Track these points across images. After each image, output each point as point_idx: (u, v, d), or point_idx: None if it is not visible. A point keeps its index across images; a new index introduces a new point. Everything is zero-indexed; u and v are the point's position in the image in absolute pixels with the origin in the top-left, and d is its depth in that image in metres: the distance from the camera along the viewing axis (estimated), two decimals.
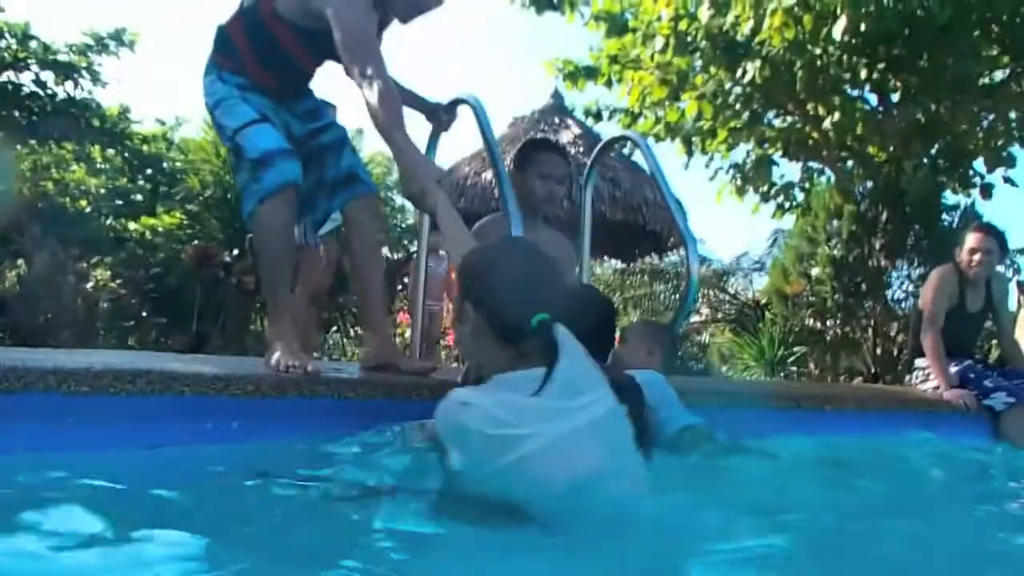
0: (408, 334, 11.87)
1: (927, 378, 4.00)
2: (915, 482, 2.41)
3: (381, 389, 2.33)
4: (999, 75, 8.50)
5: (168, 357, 2.56)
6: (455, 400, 1.56)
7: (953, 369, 3.89)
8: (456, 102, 2.90)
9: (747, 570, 1.31)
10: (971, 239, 3.99)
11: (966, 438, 3.35)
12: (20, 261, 9.80)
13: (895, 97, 8.76)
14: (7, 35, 10.86)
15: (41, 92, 11.45)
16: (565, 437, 1.50)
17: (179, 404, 1.94)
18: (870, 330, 8.47)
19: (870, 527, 1.64)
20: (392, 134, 2.31)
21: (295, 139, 2.71)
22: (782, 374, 8.55)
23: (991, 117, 9.01)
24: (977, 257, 3.93)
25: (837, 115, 8.33)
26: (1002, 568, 1.47)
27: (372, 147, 18.58)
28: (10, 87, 11.29)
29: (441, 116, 3.02)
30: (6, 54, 10.93)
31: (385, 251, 16.95)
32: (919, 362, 4.09)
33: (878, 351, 8.35)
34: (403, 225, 20.49)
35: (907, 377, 4.38)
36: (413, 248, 18.40)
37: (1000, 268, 4.47)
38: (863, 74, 8.27)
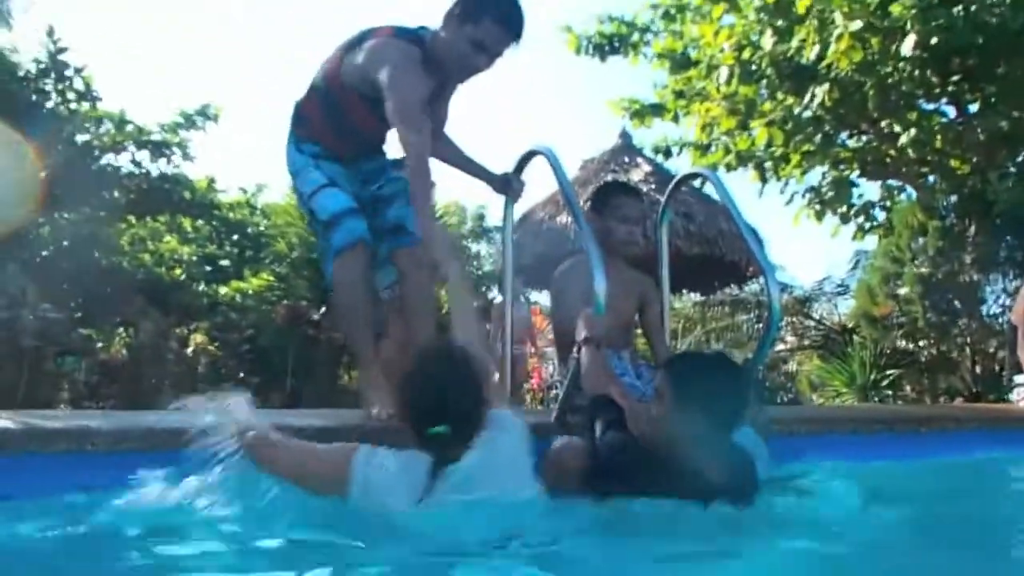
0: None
1: None
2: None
3: None
4: None
5: (278, 413, 2.71)
6: (379, 461, 1.84)
7: None
8: (530, 154, 3.03)
9: None
10: None
11: None
12: (122, 330, 10.42)
13: (973, 107, 8.53)
14: (106, 122, 11.64)
15: (137, 171, 12.16)
16: None
17: None
18: (967, 348, 8.18)
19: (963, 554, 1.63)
20: (418, 203, 2.56)
21: (362, 200, 2.87)
22: (876, 399, 8.30)
23: None
24: None
25: (913, 131, 8.16)
26: None
27: (446, 198, 19.06)
28: (110, 169, 12.06)
29: (511, 187, 3.16)
30: (106, 139, 11.70)
31: None
32: (1019, 378, 3.97)
33: (977, 369, 8.04)
34: (480, 271, 20.81)
35: (1009, 395, 4.24)
36: (491, 295, 18.66)
37: None
38: (937, 88, 8.11)
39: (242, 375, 8.81)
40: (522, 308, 6.59)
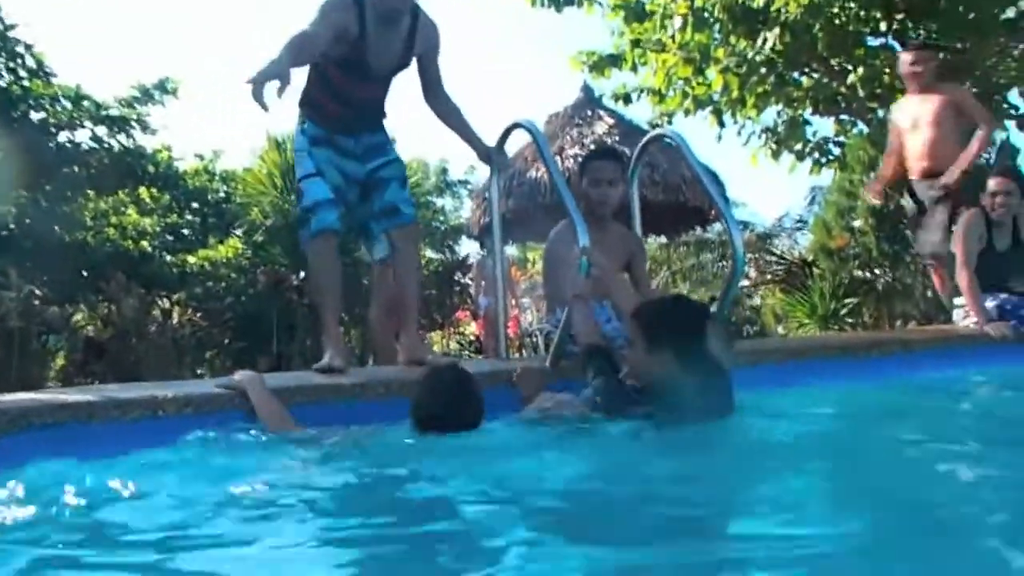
0: (469, 330, 12.37)
1: (968, 315, 4.28)
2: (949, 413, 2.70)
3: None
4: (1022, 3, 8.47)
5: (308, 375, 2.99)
6: None
7: (989, 304, 4.17)
8: (512, 127, 3.29)
9: None
10: (992, 183, 4.31)
11: (1010, 365, 3.61)
12: (103, 306, 10.48)
13: None
14: (62, 99, 11.51)
15: (97, 146, 12.08)
16: None
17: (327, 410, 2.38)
18: (919, 275, 8.62)
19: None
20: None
21: (356, 180, 3.28)
22: (836, 327, 8.75)
23: (1021, 47, 9.00)
24: (999, 200, 4.24)
25: (861, 69, 8.47)
26: None
27: (407, 155, 19.09)
28: (69, 145, 11.96)
29: (498, 159, 3.50)
30: (62, 116, 11.58)
31: (432, 253, 17.48)
32: (958, 301, 4.38)
33: (928, 294, 8.50)
34: (444, 227, 20.97)
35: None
36: (458, 247, 18.87)
37: None
38: (883, 25, 8.40)
39: (227, 342, 9.00)
40: (503, 262, 6.85)
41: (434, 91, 3.41)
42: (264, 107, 2.49)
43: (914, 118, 5.17)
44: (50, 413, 2.01)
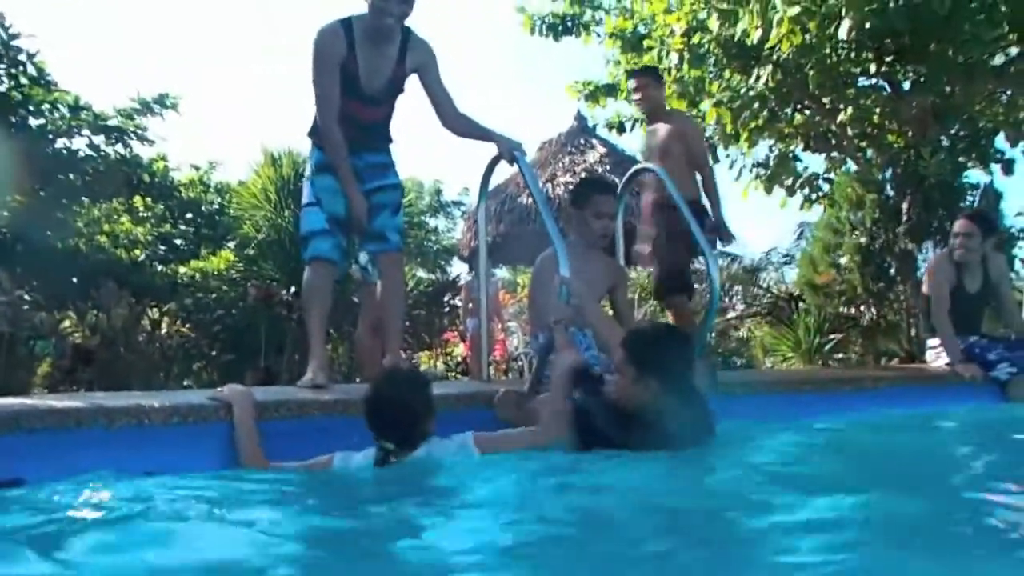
0: (457, 351, 12.41)
1: (939, 355, 4.38)
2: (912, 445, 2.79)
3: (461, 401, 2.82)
4: (1013, 51, 8.60)
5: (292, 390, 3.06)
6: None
7: (960, 345, 4.27)
8: (499, 156, 3.41)
9: None
10: (956, 225, 4.46)
11: (973, 404, 3.70)
12: (91, 313, 10.46)
13: (907, 85, 9.01)
14: (59, 106, 11.58)
15: (94, 154, 12.13)
16: None
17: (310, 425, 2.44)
18: (903, 313, 8.73)
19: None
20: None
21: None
22: (820, 362, 8.84)
23: (1009, 92, 9.16)
24: (959, 241, 4.37)
25: (851, 109, 8.62)
26: None
27: (402, 174, 19.20)
28: (65, 152, 12.00)
29: (512, 145, 3.49)
30: (60, 123, 11.64)
31: (423, 273, 17.54)
32: (930, 341, 4.48)
33: (912, 332, 8.60)
34: (436, 247, 21.04)
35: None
36: (450, 268, 18.95)
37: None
38: (872, 66, 8.57)
39: (215, 354, 9.03)
40: (491, 285, 6.94)
41: (447, 112, 3.48)
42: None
43: (647, 148, 5.03)
44: (39, 418, 2.07)
